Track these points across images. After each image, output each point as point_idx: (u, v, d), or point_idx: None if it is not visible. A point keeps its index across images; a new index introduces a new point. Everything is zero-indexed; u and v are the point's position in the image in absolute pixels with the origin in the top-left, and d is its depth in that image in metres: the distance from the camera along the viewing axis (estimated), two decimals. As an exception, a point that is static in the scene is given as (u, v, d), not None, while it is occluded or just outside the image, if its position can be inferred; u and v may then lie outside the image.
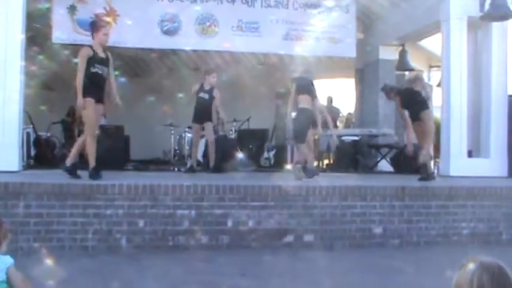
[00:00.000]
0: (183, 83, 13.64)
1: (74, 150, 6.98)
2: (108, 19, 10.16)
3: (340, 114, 15.11)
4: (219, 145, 9.36)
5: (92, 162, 6.72)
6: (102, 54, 6.98)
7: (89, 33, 10.15)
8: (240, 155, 10.34)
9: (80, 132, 13.84)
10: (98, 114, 7.05)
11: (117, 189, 5.81)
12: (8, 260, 2.90)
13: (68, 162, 6.86)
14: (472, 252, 1.99)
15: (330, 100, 14.45)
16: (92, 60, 6.83)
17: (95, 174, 6.52)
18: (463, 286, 1.77)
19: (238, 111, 12.36)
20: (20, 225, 5.46)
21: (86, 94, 6.74)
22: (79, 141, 7.09)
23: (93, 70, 6.82)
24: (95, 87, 6.83)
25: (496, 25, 9.38)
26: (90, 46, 6.98)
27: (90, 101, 6.76)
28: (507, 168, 9.20)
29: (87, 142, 6.84)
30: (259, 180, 6.83)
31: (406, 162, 9.57)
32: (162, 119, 12.67)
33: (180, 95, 13.08)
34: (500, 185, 7.23)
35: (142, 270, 5.11)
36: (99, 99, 6.93)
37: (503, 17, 8.89)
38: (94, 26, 7.20)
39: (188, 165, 9.56)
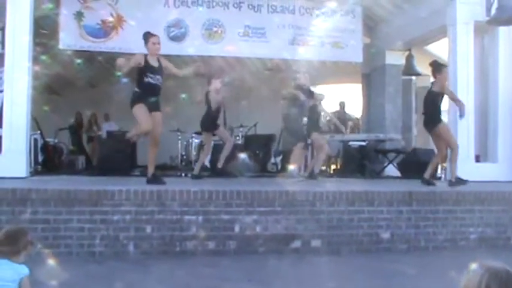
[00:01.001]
0: (190, 88, 13.66)
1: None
2: (112, 19, 10.24)
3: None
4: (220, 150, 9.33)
5: (150, 169, 7.01)
6: (155, 63, 7.01)
7: (96, 40, 10.16)
8: (244, 159, 10.29)
9: (88, 139, 13.93)
10: (154, 123, 7.00)
11: (124, 194, 5.81)
12: (24, 270, 2.89)
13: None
14: (480, 257, 1.98)
15: (342, 105, 14.30)
16: (145, 69, 6.86)
17: (153, 180, 6.74)
18: (470, 291, 1.77)
19: (244, 117, 12.35)
20: (27, 231, 5.47)
21: (138, 102, 6.87)
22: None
23: (145, 80, 6.88)
24: (149, 96, 6.91)
25: (502, 29, 9.36)
26: (145, 55, 6.99)
27: (141, 105, 6.86)
28: (515, 172, 9.16)
29: (149, 149, 7.16)
30: (266, 186, 6.82)
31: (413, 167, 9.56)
32: (169, 125, 12.68)
33: (184, 97, 13.08)
34: (507, 189, 7.20)
35: (150, 276, 5.11)
36: (154, 109, 6.99)
37: (510, 22, 8.86)
38: (144, 38, 7.16)
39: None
